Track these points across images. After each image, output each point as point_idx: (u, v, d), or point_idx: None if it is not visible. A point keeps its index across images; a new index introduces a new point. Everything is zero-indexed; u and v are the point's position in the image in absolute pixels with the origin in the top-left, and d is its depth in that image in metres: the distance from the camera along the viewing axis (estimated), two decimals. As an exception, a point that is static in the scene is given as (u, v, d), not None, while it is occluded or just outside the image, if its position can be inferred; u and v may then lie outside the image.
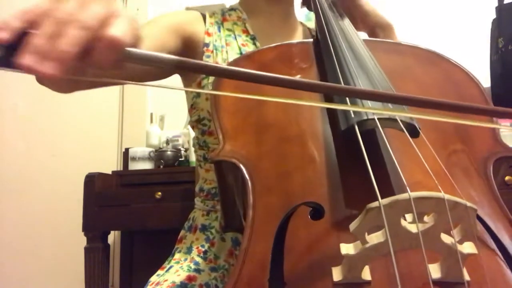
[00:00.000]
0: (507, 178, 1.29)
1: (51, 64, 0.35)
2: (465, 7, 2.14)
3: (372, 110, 0.53)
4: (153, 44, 0.79)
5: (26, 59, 0.35)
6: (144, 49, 0.40)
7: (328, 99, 0.62)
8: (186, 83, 0.97)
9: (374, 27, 0.97)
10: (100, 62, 0.38)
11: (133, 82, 0.45)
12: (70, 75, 0.38)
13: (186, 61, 0.40)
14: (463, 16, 2.12)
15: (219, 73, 0.43)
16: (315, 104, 0.62)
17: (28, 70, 0.35)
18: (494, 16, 1.76)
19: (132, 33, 0.40)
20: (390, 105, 0.56)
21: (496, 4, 1.75)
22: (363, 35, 0.81)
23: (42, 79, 0.76)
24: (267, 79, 0.40)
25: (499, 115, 0.60)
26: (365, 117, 0.54)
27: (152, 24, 0.87)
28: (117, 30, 0.38)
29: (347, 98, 0.58)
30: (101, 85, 0.79)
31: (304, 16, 1.64)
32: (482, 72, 1.72)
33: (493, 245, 0.49)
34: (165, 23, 0.88)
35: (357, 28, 1.00)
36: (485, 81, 1.74)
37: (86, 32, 0.37)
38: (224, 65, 0.42)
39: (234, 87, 0.65)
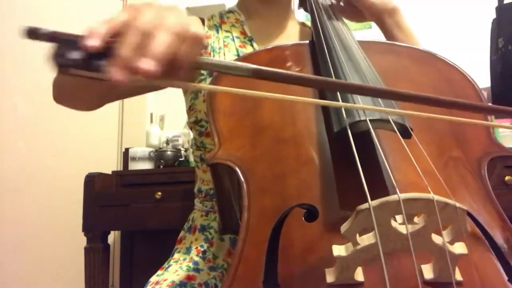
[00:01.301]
0: (507, 178, 1.29)
1: (151, 62, 0.38)
2: (465, 7, 2.13)
3: (366, 107, 0.53)
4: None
5: (116, 68, 0.37)
6: None
7: (322, 98, 0.62)
8: None
9: (380, 15, 0.96)
10: (183, 64, 0.42)
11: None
12: (153, 80, 0.40)
13: (262, 69, 0.42)
14: (463, 16, 2.12)
15: (294, 81, 0.44)
16: (318, 101, 0.62)
17: (116, 78, 0.37)
18: (494, 16, 1.76)
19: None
20: (382, 103, 0.57)
21: (496, 4, 1.76)
22: (363, 36, 0.80)
23: (60, 98, 0.77)
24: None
25: (492, 112, 0.60)
26: (357, 118, 0.54)
27: None
28: (196, 29, 0.43)
29: (339, 97, 0.58)
30: (137, 94, 0.81)
31: (304, 16, 1.64)
32: (482, 72, 1.72)
33: (486, 245, 0.50)
34: None
35: (364, 18, 0.99)
36: (485, 81, 1.75)
37: (173, 36, 0.40)
38: (299, 73, 0.44)
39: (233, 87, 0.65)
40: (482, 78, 1.63)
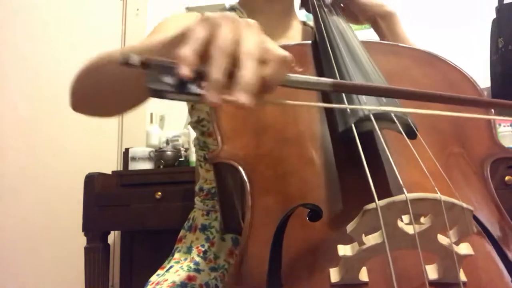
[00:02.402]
0: (507, 178, 1.29)
1: (245, 97, 0.38)
2: (465, 7, 2.14)
3: (369, 107, 0.54)
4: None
5: (212, 92, 0.38)
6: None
7: (326, 100, 0.62)
8: None
9: (376, 19, 0.97)
10: (271, 86, 0.42)
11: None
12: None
13: (340, 82, 0.43)
14: (463, 16, 2.12)
15: (373, 92, 0.44)
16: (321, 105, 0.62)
17: (212, 102, 0.38)
18: (494, 16, 1.76)
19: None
20: (385, 101, 0.57)
21: (496, 4, 1.76)
22: (363, 35, 0.80)
23: (84, 106, 0.76)
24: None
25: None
26: (361, 114, 0.54)
27: (159, 32, 0.87)
28: (280, 51, 0.42)
29: (344, 97, 0.58)
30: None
31: (304, 16, 1.64)
32: (482, 72, 1.72)
33: (490, 246, 0.50)
34: (170, 30, 0.88)
35: (359, 21, 1.00)
36: (485, 81, 1.75)
37: (256, 62, 0.40)
38: (379, 84, 0.45)
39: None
40: (482, 78, 1.63)
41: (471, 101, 0.50)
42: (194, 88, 0.39)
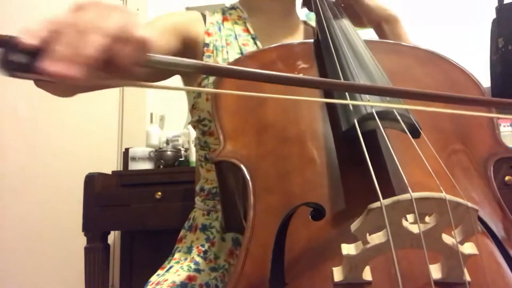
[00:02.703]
0: (507, 178, 1.29)
1: (76, 68, 0.36)
2: (465, 7, 2.14)
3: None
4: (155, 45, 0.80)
5: (51, 64, 0.36)
6: None
7: (329, 97, 0.62)
8: (187, 83, 0.97)
9: (380, 22, 0.97)
10: (123, 66, 0.41)
11: (138, 84, 0.46)
12: (91, 79, 0.39)
13: (207, 65, 0.41)
14: (463, 16, 2.12)
15: (240, 75, 0.44)
16: (321, 100, 0.62)
17: (52, 74, 0.36)
18: (494, 16, 1.76)
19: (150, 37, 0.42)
20: (388, 99, 0.57)
21: (496, 4, 1.76)
22: (364, 35, 0.80)
23: (42, 84, 0.76)
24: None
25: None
26: (364, 112, 0.54)
27: (152, 26, 0.87)
28: (142, 33, 0.41)
29: (347, 95, 0.58)
30: (104, 88, 0.80)
31: (304, 15, 1.64)
32: (482, 72, 1.71)
33: (493, 246, 0.50)
34: (165, 24, 0.88)
35: (363, 24, 1.00)
36: (485, 81, 1.74)
37: (108, 38, 0.39)
38: (242, 68, 0.43)
39: (236, 87, 0.65)
40: (482, 78, 1.63)
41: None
42: (30, 63, 0.37)
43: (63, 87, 0.68)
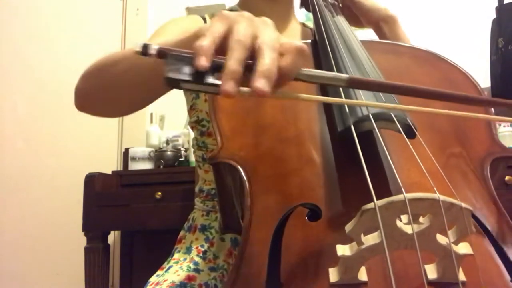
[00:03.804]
0: (507, 178, 1.29)
1: (261, 84, 0.38)
2: (465, 7, 2.13)
3: (369, 104, 0.53)
4: None
5: (229, 82, 0.38)
6: None
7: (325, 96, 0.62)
8: None
9: (378, 22, 0.97)
10: (287, 78, 0.42)
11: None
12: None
13: (356, 78, 0.43)
14: (463, 16, 2.12)
15: (385, 89, 0.44)
16: (321, 98, 0.62)
17: (229, 92, 0.38)
18: (494, 16, 1.75)
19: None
20: (384, 100, 0.57)
21: (496, 4, 1.75)
22: (362, 35, 0.81)
23: (90, 105, 0.76)
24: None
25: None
26: (360, 114, 0.54)
27: (160, 36, 0.86)
28: (296, 42, 0.43)
29: (343, 94, 0.58)
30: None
31: (304, 16, 1.64)
32: (482, 72, 1.71)
33: (489, 245, 0.50)
34: (173, 31, 0.88)
35: (361, 25, 1.00)
36: (485, 81, 1.74)
37: (276, 52, 0.41)
38: (389, 81, 0.45)
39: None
40: (482, 78, 1.63)
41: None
42: (210, 79, 0.39)
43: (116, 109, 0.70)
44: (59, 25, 2.37)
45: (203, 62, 0.38)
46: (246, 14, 0.45)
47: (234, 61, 0.39)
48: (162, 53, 0.39)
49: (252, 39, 0.41)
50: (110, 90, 0.71)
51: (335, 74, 0.43)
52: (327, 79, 0.43)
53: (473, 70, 0.76)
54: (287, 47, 0.42)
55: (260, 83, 0.38)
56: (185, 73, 0.39)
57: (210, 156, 0.60)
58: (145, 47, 0.39)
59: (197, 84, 0.39)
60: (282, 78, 0.41)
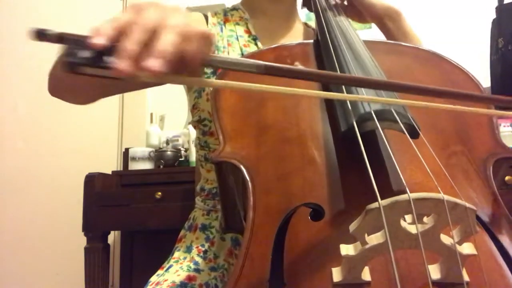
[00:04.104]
0: (507, 178, 1.29)
1: (158, 63, 0.39)
2: (465, 7, 2.14)
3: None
4: None
5: (124, 62, 0.38)
6: None
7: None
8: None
9: (382, 18, 0.96)
10: (193, 62, 0.43)
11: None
12: (164, 76, 0.41)
13: (273, 65, 0.43)
14: (463, 16, 2.12)
15: (304, 76, 0.45)
16: (322, 93, 0.62)
17: (123, 71, 0.38)
18: (494, 16, 1.76)
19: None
20: (385, 96, 0.57)
21: (496, 4, 1.76)
22: (364, 35, 0.80)
23: (57, 91, 0.77)
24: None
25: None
26: (362, 111, 0.54)
27: None
28: (201, 28, 0.44)
29: (344, 91, 0.58)
30: (140, 88, 0.82)
31: (304, 16, 1.64)
32: (482, 72, 1.72)
33: (493, 246, 0.50)
34: None
35: (365, 20, 0.99)
36: (485, 81, 1.74)
37: (178, 36, 0.41)
38: (307, 68, 0.45)
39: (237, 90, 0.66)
40: (482, 78, 1.63)
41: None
42: (107, 61, 0.39)
43: (79, 94, 0.70)
44: (59, 25, 2.34)
45: (97, 41, 0.39)
46: (158, 3, 0.45)
47: (129, 41, 0.39)
48: (60, 37, 0.39)
49: (155, 23, 0.41)
50: (71, 81, 0.73)
51: (246, 60, 0.44)
52: (239, 65, 0.44)
53: (473, 70, 0.76)
54: (192, 33, 0.43)
55: (151, 61, 0.38)
56: (81, 57, 0.39)
57: (212, 156, 0.60)
58: (41, 30, 0.39)
59: (94, 68, 0.39)
60: (188, 62, 0.42)
